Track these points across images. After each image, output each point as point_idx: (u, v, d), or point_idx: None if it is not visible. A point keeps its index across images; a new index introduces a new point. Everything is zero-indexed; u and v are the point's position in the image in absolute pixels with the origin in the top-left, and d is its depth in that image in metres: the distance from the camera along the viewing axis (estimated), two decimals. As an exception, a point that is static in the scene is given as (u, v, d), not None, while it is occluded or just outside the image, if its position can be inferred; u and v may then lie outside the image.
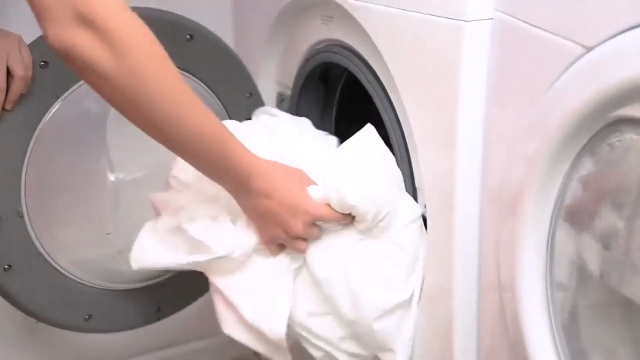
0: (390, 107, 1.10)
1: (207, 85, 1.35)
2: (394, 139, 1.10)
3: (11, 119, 1.17)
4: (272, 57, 1.43)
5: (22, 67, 1.15)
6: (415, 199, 1.09)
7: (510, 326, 0.91)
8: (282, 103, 1.44)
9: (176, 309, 1.43)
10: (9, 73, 1.14)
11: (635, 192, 0.72)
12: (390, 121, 1.10)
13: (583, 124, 0.77)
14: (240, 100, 1.38)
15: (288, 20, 1.36)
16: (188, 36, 1.30)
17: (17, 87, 1.15)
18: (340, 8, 1.14)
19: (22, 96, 1.17)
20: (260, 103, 1.41)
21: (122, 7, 0.84)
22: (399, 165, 1.10)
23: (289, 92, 1.41)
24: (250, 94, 1.40)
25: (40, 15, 0.84)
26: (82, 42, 0.82)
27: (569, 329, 0.84)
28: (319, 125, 1.41)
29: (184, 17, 1.33)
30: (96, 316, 1.32)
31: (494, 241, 0.94)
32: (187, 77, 1.30)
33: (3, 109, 1.15)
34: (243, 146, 0.99)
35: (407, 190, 1.10)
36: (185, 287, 1.42)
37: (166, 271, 1.37)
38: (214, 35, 1.34)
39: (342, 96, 1.41)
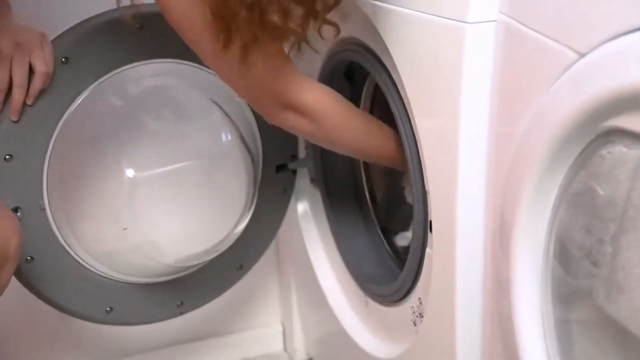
0: (402, 107, 1.08)
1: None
2: (404, 139, 1.08)
3: (33, 114, 1.19)
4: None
5: (43, 64, 1.17)
6: (425, 202, 1.06)
7: (506, 332, 0.88)
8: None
9: (199, 304, 1.44)
10: (31, 69, 1.17)
11: (621, 209, 0.68)
12: (402, 121, 1.08)
13: (575, 133, 0.73)
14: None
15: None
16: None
17: (37, 83, 1.17)
18: (354, 5, 1.12)
19: (43, 92, 1.18)
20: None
21: (311, 88, 1.12)
22: (410, 167, 1.09)
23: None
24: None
25: (255, 105, 1.16)
26: (290, 121, 1.11)
27: (563, 344, 0.80)
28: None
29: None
30: (118, 309, 1.34)
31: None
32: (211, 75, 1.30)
33: (24, 104, 1.18)
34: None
35: (416, 194, 1.07)
36: (208, 283, 1.43)
37: (188, 266, 1.38)
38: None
39: (369, 95, 1.39)
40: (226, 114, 1.32)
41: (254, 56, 1.01)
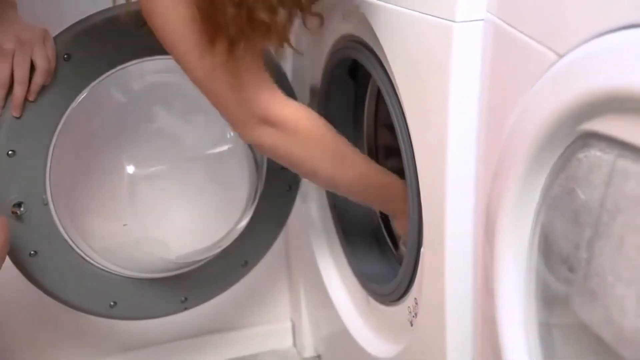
0: (398, 104, 1.08)
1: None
2: (400, 138, 1.07)
3: (36, 110, 1.20)
4: (303, 50, 1.41)
5: (45, 60, 1.18)
6: (420, 200, 1.05)
7: (492, 333, 0.87)
8: (314, 97, 1.42)
9: (203, 300, 1.44)
10: (33, 66, 1.18)
11: (595, 214, 0.66)
12: (397, 119, 1.07)
13: (555, 136, 0.72)
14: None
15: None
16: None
17: (38, 79, 1.18)
18: (354, 2, 1.12)
19: (46, 88, 1.19)
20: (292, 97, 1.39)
21: (287, 104, 1.11)
22: (405, 166, 1.08)
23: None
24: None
25: (231, 122, 1.12)
26: (265, 135, 1.10)
27: (545, 347, 0.79)
28: (351, 120, 1.40)
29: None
30: (121, 303, 1.35)
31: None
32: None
33: (26, 100, 1.19)
34: (391, 174, 1.18)
35: (411, 192, 1.06)
36: (212, 279, 1.43)
37: (192, 262, 1.39)
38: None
39: (374, 94, 1.38)
40: (229, 110, 1.31)
41: (234, 62, 1.01)
